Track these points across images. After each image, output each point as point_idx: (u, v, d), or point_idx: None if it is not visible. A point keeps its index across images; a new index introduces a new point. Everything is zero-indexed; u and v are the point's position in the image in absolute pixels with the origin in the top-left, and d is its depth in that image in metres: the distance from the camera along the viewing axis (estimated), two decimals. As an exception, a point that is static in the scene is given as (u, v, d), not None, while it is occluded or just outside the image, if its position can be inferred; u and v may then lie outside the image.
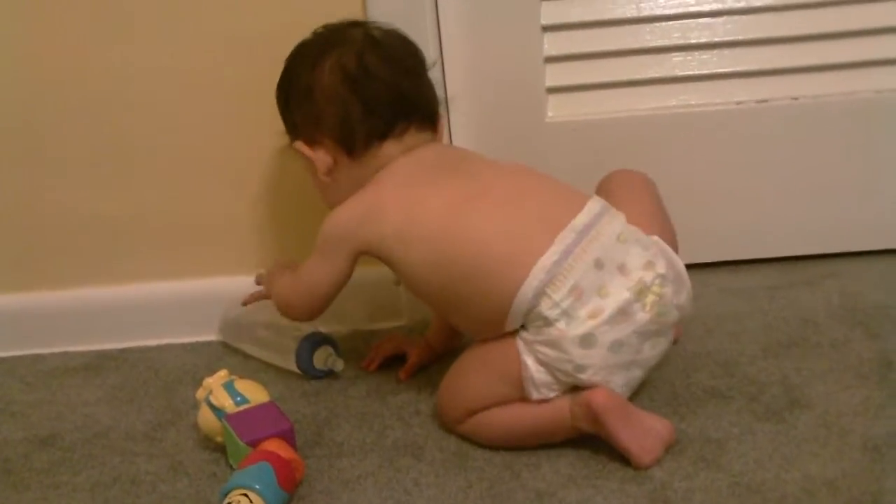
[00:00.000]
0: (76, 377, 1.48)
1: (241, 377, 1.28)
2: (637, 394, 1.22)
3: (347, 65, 1.26)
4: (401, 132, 1.27)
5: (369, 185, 1.26)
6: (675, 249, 1.21)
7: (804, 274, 1.49)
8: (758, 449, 1.13)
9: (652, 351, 1.17)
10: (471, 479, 1.15)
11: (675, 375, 1.28)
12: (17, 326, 1.55)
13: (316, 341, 1.39)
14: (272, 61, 1.31)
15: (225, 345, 1.51)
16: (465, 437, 1.21)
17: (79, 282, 1.54)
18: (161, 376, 1.45)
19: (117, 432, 1.33)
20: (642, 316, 1.14)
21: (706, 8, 1.45)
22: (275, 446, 1.15)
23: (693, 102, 1.48)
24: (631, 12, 1.46)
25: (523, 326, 1.16)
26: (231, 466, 1.21)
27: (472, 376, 1.20)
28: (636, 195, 1.26)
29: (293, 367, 1.40)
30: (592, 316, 1.12)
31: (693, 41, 1.46)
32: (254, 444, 1.16)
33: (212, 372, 1.28)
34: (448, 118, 1.47)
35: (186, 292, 1.53)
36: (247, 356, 1.47)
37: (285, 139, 1.33)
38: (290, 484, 1.13)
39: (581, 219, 1.16)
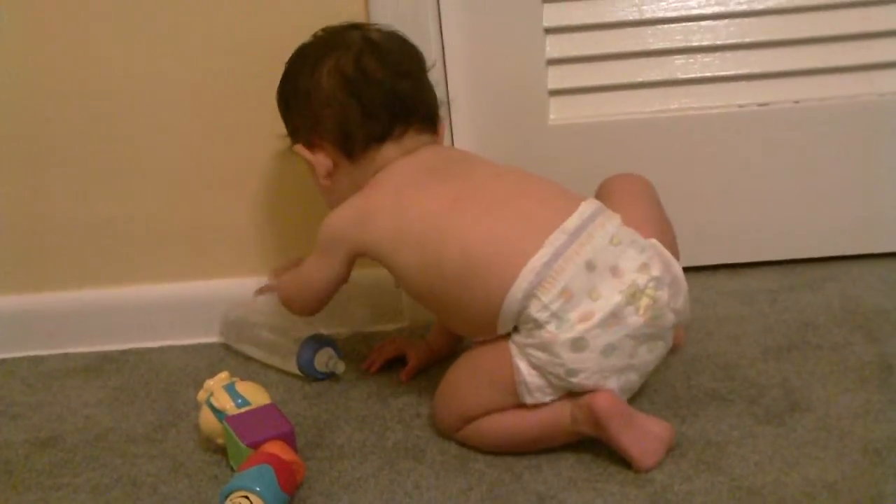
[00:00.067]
0: (77, 379, 1.48)
1: (242, 379, 1.28)
2: (637, 396, 1.22)
3: (345, 68, 1.26)
4: (399, 134, 1.27)
5: (367, 187, 1.26)
6: (675, 253, 1.20)
7: (805, 277, 1.49)
8: (758, 452, 1.13)
9: (649, 355, 1.17)
10: (471, 481, 1.15)
11: (675, 378, 1.28)
12: (18, 328, 1.55)
13: (317, 343, 1.39)
14: (273, 64, 1.31)
15: (226, 347, 1.51)
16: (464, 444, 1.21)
17: (80, 283, 1.54)
18: (162, 378, 1.45)
19: (118, 434, 1.33)
20: (636, 319, 1.13)
21: (708, 11, 1.45)
22: (276, 448, 1.15)
23: (695, 105, 1.48)
24: (633, 15, 1.46)
25: (516, 329, 1.15)
26: (232, 468, 1.21)
27: (464, 383, 1.20)
28: (635, 199, 1.25)
29: (294, 369, 1.39)
30: (583, 319, 1.11)
31: (695, 44, 1.46)
32: (255, 445, 1.16)
33: (213, 374, 1.28)
34: (450, 121, 1.46)
35: (187, 294, 1.53)
36: (248, 358, 1.47)
37: (286, 142, 1.33)
38: (290, 486, 1.12)
39: (573, 221, 1.15)
